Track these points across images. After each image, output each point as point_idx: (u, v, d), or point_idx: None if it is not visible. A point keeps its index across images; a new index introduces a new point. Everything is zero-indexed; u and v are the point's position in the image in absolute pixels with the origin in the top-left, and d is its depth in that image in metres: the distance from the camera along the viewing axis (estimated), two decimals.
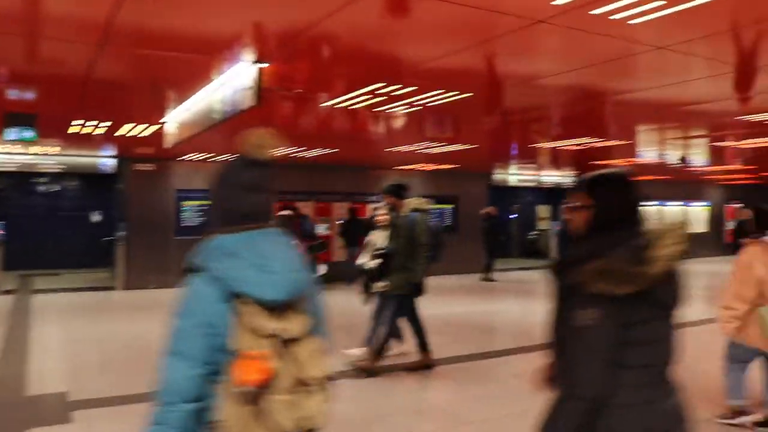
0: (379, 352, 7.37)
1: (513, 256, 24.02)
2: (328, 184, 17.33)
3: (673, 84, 7.31)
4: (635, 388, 2.29)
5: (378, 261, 7.50)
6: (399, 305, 7.38)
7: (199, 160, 15.09)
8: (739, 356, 5.35)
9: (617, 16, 4.72)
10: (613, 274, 2.21)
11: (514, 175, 20.91)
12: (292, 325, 2.07)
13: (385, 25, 5.21)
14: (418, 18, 4.97)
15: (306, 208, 16.46)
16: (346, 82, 7.18)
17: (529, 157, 15.93)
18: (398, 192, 7.56)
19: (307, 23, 5.06)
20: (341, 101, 7.92)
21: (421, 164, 16.87)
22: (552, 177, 21.62)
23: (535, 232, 24.73)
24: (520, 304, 13.11)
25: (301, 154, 14.07)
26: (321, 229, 16.28)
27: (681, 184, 23.94)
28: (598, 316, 2.25)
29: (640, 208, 2.49)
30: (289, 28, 5.24)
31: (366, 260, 7.89)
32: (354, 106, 8.18)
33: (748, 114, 9.15)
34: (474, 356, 8.34)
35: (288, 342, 2.05)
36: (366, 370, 7.31)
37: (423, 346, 7.63)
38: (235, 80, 6.53)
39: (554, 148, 13.10)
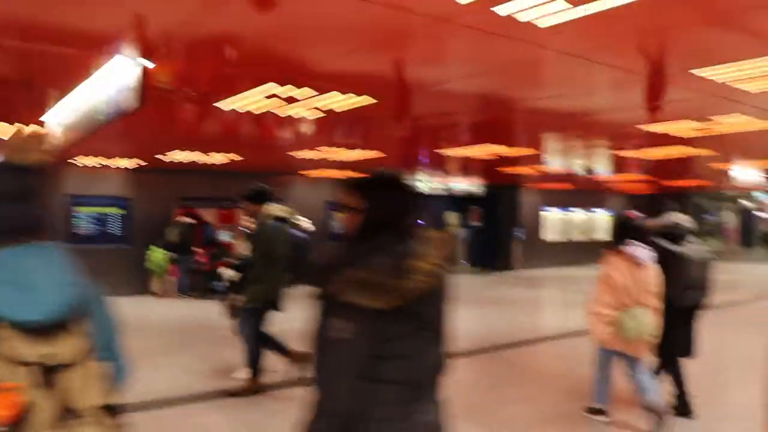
0: (254, 370, 6.82)
1: None
2: (232, 190, 16.63)
3: (579, 93, 7.22)
4: (393, 402, 2.17)
5: (236, 272, 6.99)
6: (256, 319, 6.77)
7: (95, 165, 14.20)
8: (604, 360, 5.64)
9: (524, 17, 4.46)
10: (369, 286, 2.08)
11: (424, 181, 20.74)
12: (60, 349, 1.81)
13: (277, 22, 4.79)
14: (311, 15, 4.60)
15: (209, 215, 15.72)
16: (237, 82, 6.70)
17: (438, 164, 15.76)
18: (257, 198, 6.99)
19: (193, 18, 4.58)
20: (235, 103, 7.41)
21: (329, 171, 16.42)
22: (460, 184, 21.58)
23: None
24: None
25: (202, 160, 13.41)
26: (224, 237, 15.63)
27: (585, 192, 24.43)
28: (352, 329, 2.12)
29: (410, 213, 2.34)
30: (175, 23, 4.75)
31: (226, 271, 7.34)
32: (250, 109, 7.69)
33: (650, 123, 9.19)
34: None
35: (55, 369, 1.78)
36: (245, 391, 6.78)
37: (254, 368, 6.85)
38: (118, 79, 5.93)
39: (460, 155, 12.93)
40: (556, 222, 23.96)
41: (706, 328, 10.69)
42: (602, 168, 16.63)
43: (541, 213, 23.39)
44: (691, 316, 5.88)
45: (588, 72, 6.20)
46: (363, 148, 11.92)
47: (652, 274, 5.31)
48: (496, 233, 22.66)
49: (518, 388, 7.19)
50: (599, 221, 24.97)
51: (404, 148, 12.63)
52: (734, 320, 11.71)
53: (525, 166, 15.45)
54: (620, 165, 16.02)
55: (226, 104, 7.49)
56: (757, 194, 29.36)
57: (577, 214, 24.76)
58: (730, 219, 35.80)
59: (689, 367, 6.19)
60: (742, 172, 16.25)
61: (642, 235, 5.44)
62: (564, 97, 7.51)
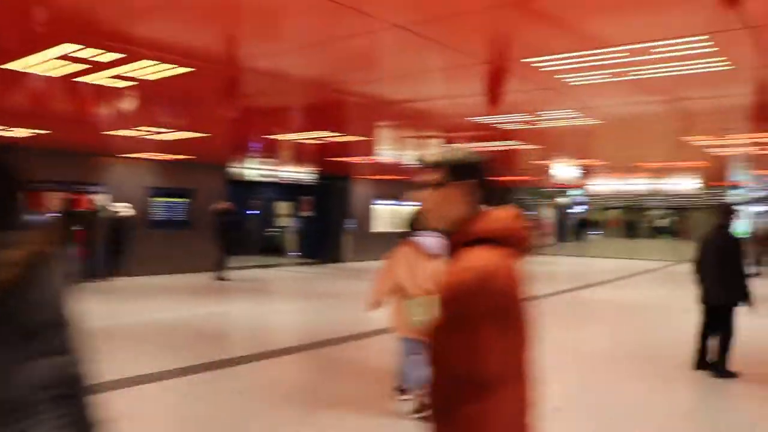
0: None
1: (251, 254, 23.23)
2: (40, 171, 15.07)
3: (411, 76, 7.00)
4: None
5: None
6: None
7: None
8: (409, 349, 5.62)
9: None
10: None
11: (254, 169, 20.03)
12: None
13: None
14: None
15: None
16: (26, 40, 5.77)
17: (268, 150, 15.16)
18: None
19: None
20: (29, 65, 6.46)
21: (151, 153, 15.32)
22: (292, 173, 21.10)
23: (275, 229, 24.15)
24: (253, 306, 12.25)
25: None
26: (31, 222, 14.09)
27: (394, 183, 24.81)
28: None
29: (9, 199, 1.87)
30: None
31: None
32: (48, 73, 6.74)
33: (481, 115, 9.21)
34: (193, 369, 7.26)
35: None
36: None
37: None
38: None
39: (290, 141, 12.44)
40: (386, 214, 24.13)
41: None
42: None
43: (372, 205, 23.42)
44: None
45: (419, 53, 5.96)
46: (187, 129, 11.10)
47: (437, 263, 5.15)
48: (328, 224, 22.42)
49: (337, 385, 6.83)
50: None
51: (231, 131, 11.96)
52: (552, 310, 12.17)
53: (357, 155, 15.24)
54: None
55: (18, 66, 6.50)
56: (573, 191, 31.25)
57: (407, 207, 25.04)
58: (548, 215, 38.03)
59: None
60: (562, 169, 17.08)
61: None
62: (395, 81, 7.25)
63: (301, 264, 20.97)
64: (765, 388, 6.64)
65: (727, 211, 7.37)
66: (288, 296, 14.39)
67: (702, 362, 7.34)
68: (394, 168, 18.68)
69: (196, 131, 11.34)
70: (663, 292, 15.61)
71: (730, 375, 7.01)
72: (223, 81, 7.49)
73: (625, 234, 54.96)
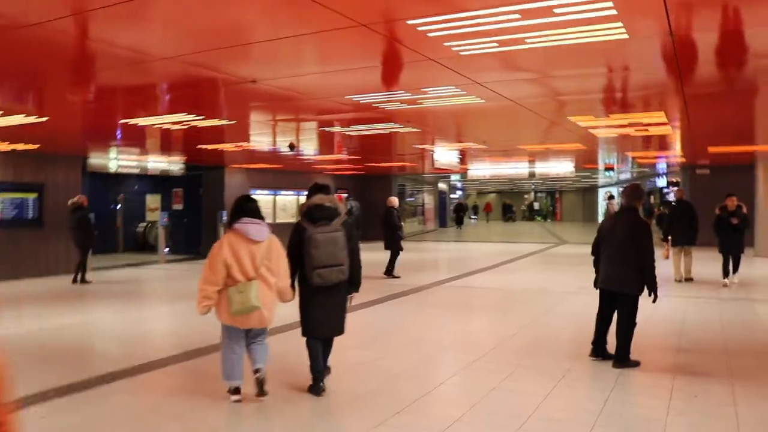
0: None
1: (119, 251, 21.61)
2: None
3: (281, 51, 6.16)
4: None
5: None
6: None
7: None
8: (230, 337, 5.67)
9: None
10: None
11: (117, 159, 18.45)
12: None
13: None
14: None
15: None
16: None
17: (130, 138, 13.78)
18: None
19: None
20: None
21: None
22: (159, 163, 19.67)
23: (144, 224, 22.55)
24: (116, 313, 10.89)
25: None
26: None
27: (293, 173, 23.90)
28: None
29: None
30: None
31: None
32: None
33: (360, 94, 8.50)
34: (39, 396, 6.04)
35: None
36: None
37: None
38: None
39: (153, 126, 11.24)
40: (264, 204, 23.11)
41: (414, 310, 10.72)
42: (309, 147, 16.02)
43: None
44: (330, 297, 5.84)
45: (288, 14, 5.13)
46: (31, 113, 9.66)
47: (264, 249, 5.52)
48: (201, 217, 21.13)
49: (207, 412, 5.92)
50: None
51: (85, 116, 10.62)
52: (440, 301, 11.71)
53: (227, 142, 14.17)
54: (326, 144, 15.53)
55: None
56: (453, 176, 31.32)
57: (285, 196, 24.12)
58: (428, 201, 38.10)
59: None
60: (443, 155, 16.71)
61: (256, 213, 5.66)
62: (263, 54, 6.38)
63: (173, 261, 19.58)
64: (668, 377, 6.32)
65: (633, 194, 6.96)
66: (157, 299, 13.05)
67: (600, 351, 6.95)
68: (270, 156, 17.71)
69: (42, 116, 9.92)
70: (548, 276, 15.56)
71: (632, 364, 6.64)
72: (66, 55, 6.36)
73: (502, 218, 56.32)
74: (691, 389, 5.90)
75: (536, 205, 60.51)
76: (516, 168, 25.09)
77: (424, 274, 15.58)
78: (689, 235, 13.01)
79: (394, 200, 15.14)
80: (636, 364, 6.64)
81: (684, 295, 11.48)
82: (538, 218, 57.83)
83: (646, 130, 11.90)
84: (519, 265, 17.73)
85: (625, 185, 9.71)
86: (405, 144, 15.64)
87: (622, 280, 6.70)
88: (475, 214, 57.75)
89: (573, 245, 24.39)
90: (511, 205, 57.87)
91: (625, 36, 5.56)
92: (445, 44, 5.85)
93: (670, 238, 13.32)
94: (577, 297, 11.59)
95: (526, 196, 61.16)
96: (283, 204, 24.05)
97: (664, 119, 10.33)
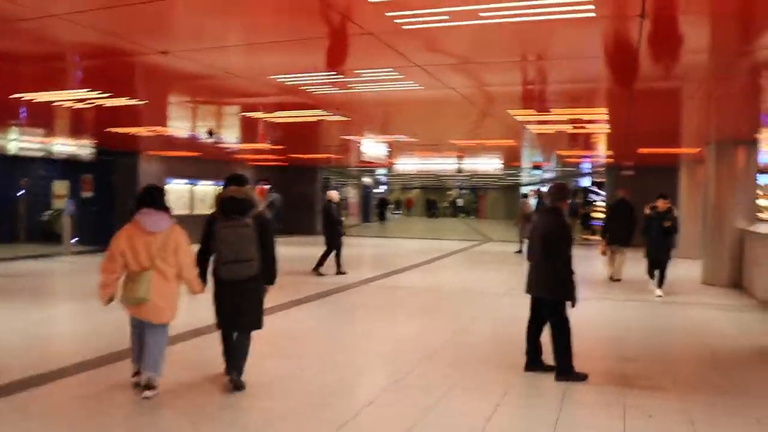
0: None
1: (20, 242, 20.02)
2: None
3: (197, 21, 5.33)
4: None
5: None
6: None
7: None
8: (131, 323, 5.64)
9: None
10: None
11: (17, 141, 16.97)
12: None
13: None
14: None
15: None
16: None
17: (31, 117, 12.52)
18: None
19: None
20: None
21: None
22: (67, 146, 18.26)
23: (49, 212, 20.97)
24: (14, 311, 9.70)
25: None
26: None
27: (213, 162, 22.79)
28: None
29: None
30: None
31: None
32: None
33: (285, 74, 7.71)
34: None
35: None
36: None
37: None
38: None
39: (54, 105, 10.12)
40: (181, 194, 21.90)
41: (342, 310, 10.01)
42: (230, 134, 15.08)
43: (165, 184, 21.07)
44: (239, 290, 5.65)
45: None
46: None
47: (161, 240, 5.43)
48: (112, 206, 19.76)
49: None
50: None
51: None
52: (364, 302, 11.03)
53: (141, 126, 13.11)
54: (249, 132, 14.64)
55: None
56: (379, 170, 30.69)
57: (204, 186, 22.95)
58: (352, 195, 37.42)
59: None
60: (371, 147, 16.04)
61: (160, 201, 5.57)
62: (181, 25, 5.53)
63: (81, 253, 18.18)
64: (618, 392, 5.81)
65: (558, 193, 6.32)
66: (62, 296, 11.83)
67: (534, 363, 6.39)
68: (188, 143, 16.65)
69: None
70: (476, 276, 15.11)
71: (577, 377, 6.10)
72: None
73: (426, 213, 56.15)
74: (644, 406, 5.40)
75: (460, 202, 60.65)
76: (444, 164, 24.70)
77: (349, 271, 14.88)
78: (625, 235, 12.98)
79: (334, 194, 14.44)
80: (583, 377, 6.11)
81: (619, 299, 11.18)
82: (462, 215, 57.97)
83: (584, 127, 11.55)
84: (446, 263, 17.24)
85: (550, 184, 9.26)
86: (332, 135, 14.92)
87: (540, 285, 6.19)
88: (398, 209, 57.45)
89: (497, 243, 24.12)
90: (435, 201, 57.77)
91: (593, 15, 5.01)
92: (387, 14, 5.13)
93: (607, 235, 13.17)
94: (508, 300, 11.13)
95: (449, 192, 61.23)
96: (201, 194, 22.88)
97: (605, 116, 9.94)
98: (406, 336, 8.14)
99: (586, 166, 27.05)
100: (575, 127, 11.62)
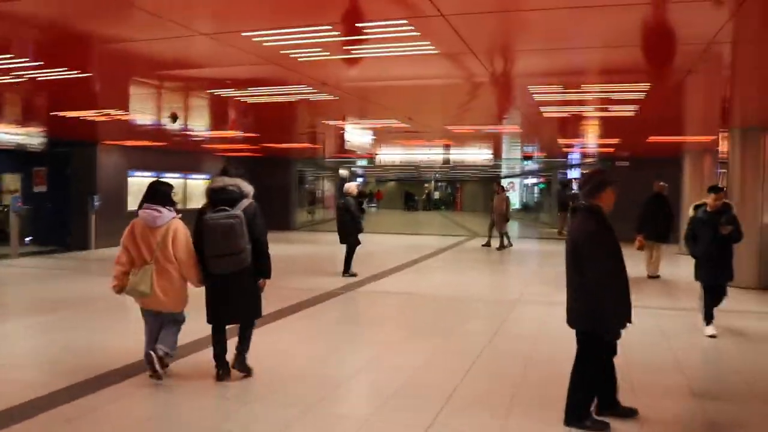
0: None
1: None
2: None
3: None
4: None
5: None
6: None
7: None
8: (143, 314, 5.78)
9: None
10: None
11: None
12: None
13: None
14: None
15: None
16: None
17: None
18: None
19: None
20: None
21: None
22: (14, 136, 16.29)
23: None
24: None
25: None
26: None
27: (180, 154, 20.94)
28: None
29: None
30: None
31: None
32: None
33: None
34: None
35: None
36: None
37: None
38: None
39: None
40: (144, 188, 19.98)
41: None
42: (197, 120, 13.33)
43: (128, 177, 19.19)
44: (231, 283, 5.61)
45: None
46: None
47: (161, 236, 5.51)
48: (68, 202, 17.88)
49: None
50: (196, 187, 21.57)
51: None
52: (351, 317, 9.42)
53: (93, 109, 11.32)
54: (218, 117, 12.91)
55: None
56: (360, 162, 28.97)
57: (171, 180, 21.05)
58: (329, 188, 35.72)
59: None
60: (356, 134, 14.39)
61: (163, 198, 5.62)
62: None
63: (33, 254, 16.27)
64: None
65: (590, 185, 4.57)
66: (8, 308, 9.99)
67: (608, 404, 4.81)
68: (151, 131, 14.85)
69: None
70: (476, 278, 13.55)
71: (595, 426, 4.56)
72: None
73: (404, 206, 54.43)
74: None
75: (436, 195, 59.07)
76: (428, 154, 23.10)
77: (330, 276, 13.25)
78: (662, 230, 12.43)
79: (353, 187, 12.93)
80: (603, 426, 4.53)
81: (657, 306, 9.69)
82: (442, 208, 56.43)
83: (607, 109, 10.02)
84: (436, 263, 15.62)
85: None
86: (314, 119, 13.25)
87: (568, 311, 4.61)
88: (372, 201, 55.54)
89: (485, 239, 22.45)
90: (413, 194, 56.14)
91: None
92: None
93: (643, 232, 12.11)
94: (523, 308, 9.60)
95: (426, 185, 59.69)
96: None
97: (643, 94, 8.38)
98: (414, 366, 6.47)
99: (575, 156, 25.65)
100: (597, 109, 10.07)
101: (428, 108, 11.24)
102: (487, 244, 18.88)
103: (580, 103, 9.60)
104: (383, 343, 7.49)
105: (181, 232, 5.58)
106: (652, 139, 14.92)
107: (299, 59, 6.74)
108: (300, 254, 16.83)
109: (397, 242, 21.11)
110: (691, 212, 8.13)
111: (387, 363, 6.61)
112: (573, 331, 4.56)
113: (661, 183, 13.17)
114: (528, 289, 11.44)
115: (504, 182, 42.28)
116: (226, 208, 5.45)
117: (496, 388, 5.70)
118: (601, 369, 4.51)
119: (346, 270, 12.68)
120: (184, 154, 21.14)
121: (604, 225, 4.41)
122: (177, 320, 5.74)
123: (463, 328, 8.31)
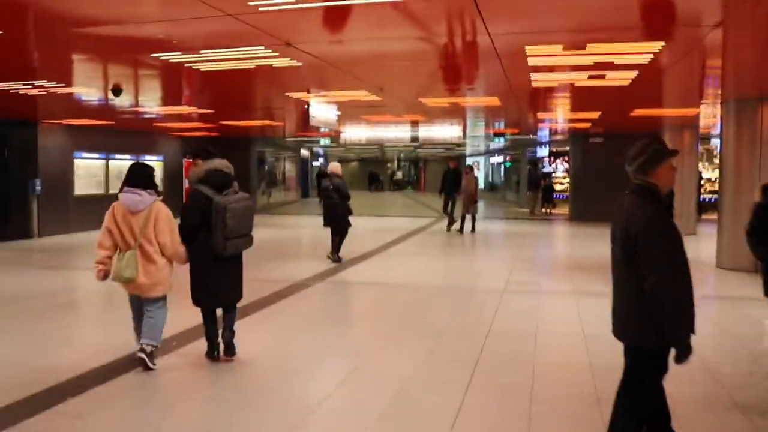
0: None
1: None
2: None
3: None
4: None
5: None
6: None
7: None
8: (129, 300, 5.68)
9: None
10: None
11: None
12: None
13: None
14: None
15: None
16: None
17: None
18: None
19: None
20: None
21: None
22: None
23: None
24: None
25: None
26: None
27: (132, 134, 19.51)
28: None
29: None
30: None
31: None
32: None
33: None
34: None
35: None
36: None
37: None
38: None
39: None
40: (93, 171, 18.55)
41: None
42: (146, 96, 12.03)
43: (74, 160, 17.73)
44: (232, 265, 5.72)
45: None
46: None
47: (143, 219, 5.41)
48: (6, 187, 16.38)
49: None
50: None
51: None
52: (322, 315, 8.37)
53: (27, 84, 9.98)
54: (170, 92, 11.65)
55: None
56: (321, 143, 27.67)
57: (122, 161, 19.61)
58: (290, 168, 34.42)
59: None
60: (321, 109, 13.20)
61: (144, 180, 5.49)
62: None
63: None
64: None
65: (642, 158, 3.41)
66: None
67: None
68: (97, 109, 13.48)
69: None
70: (452, 264, 12.58)
71: None
72: None
73: (368, 187, 53.16)
74: None
75: (399, 174, 57.94)
76: (396, 132, 22.01)
77: (298, 261, 12.14)
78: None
79: (339, 166, 12.12)
80: None
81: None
82: (408, 188, 55.38)
83: (604, 76, 9.03)
84: (410, 248, 14.56)
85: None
86: (274, 91, 12.06)
87: (617, 318, 3.54)
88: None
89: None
90: (377, 174, 54.88)
91: None
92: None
93: None
94: (514, 299, 8.65)
95: (389, 165, 58.52)
96: (119, 171, 19.48)
97: (653, 52, 7.36)
98: (403, 377, 5.41)
99: (544, 134, 24.79)
100: (593, 77, 9.05)
101: (402, 78, 10.10)
102: (460, 229, 17.56)
103: (577, 69, 8.57)
104: (364, 347, 6.44)
105: (163, 214, 5.48)
106: (637, 112, 14.03)
107: (260, 8, 5.55)
108: (262, 240, 15.66)
109: (363, 225, 19.90)
110: (756, 196, 5.90)
111: (370, 374, 5.55)
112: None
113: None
114: (512, 276, 10.47)
115: (469, 161, 41.60)
116: (231, 191, 5.59)
117: (507, 406, 4.70)
118: (661, 395, 3.51)
119: (335, 253, 11.87)
120: (135, 134, 19.72)
121: (663, 209, 3.38)
122: (160, 305, 5.59)
123: (452, 326, 7.28)
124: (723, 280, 10.52)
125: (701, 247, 13.76)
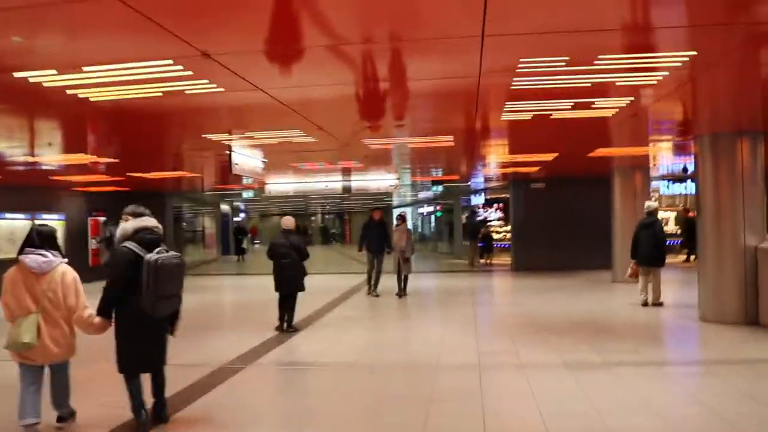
0: None
1: None
2: None
3: None
4: None
5: None
6: None
7: None
8: (20, 372, 5.25)
9: None
10: None
11: None
12: None
13: None
14: None
15: None
16: None
17: None
18: None
19: None
20: None
21: None
22: None
23: None
24: None
25: None
26: None
27: (23, 189, 17.06)
28: None
29: None
30: None
31: None
32: None
33: None
34: None
35: None
36: None
37: None
38: None
39: None
40: None
41: None
42: (42, 142, 9.98)
43: None
44: (159, 326, 5.46)
45: None
46: None
47: (47, 281, 5.17)
48: None
49: None
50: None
51: None
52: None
53: None
54: (67, 138, 9.67)
55: None
56: (246, 193, 25.60)
57: (12, 221, 17.10)
58: (209, 225, 32.17)
59: None
60: (246, 156, 11.37)
61: (48, 241, 5.31)
62: None
63: None
64: None
65: None
66: None
67: None
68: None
69: None
70: (406, 333, 10.80)
71: None
72: None
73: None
74: None
75: (332, 227, 56.45)
76: (325, 181, 20.27)
77: (222, 338, 10.11)
78: (654, 255, 11.93)
79: (292, 221, 10.72)
80: None
81: (659, 361, 7.26)
82: (337, 241, 53.62)
83: (591, 105, 7.60)
84: (353, 312, 12.65)
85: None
86: (189, 132, 10.17)
87: None
88: (256, 238, 51.41)
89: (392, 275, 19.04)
90: (305, 228, 52.90)
91: None
92: None
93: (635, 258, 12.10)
94: (496, 377, 6.95)
95: (313, 218, 56.76)
96: (10, 232, 16.93)
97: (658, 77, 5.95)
98: None
99: (479, 181, 23.61)
100: (576, 106, 7.57)
101: (346, 112, 8.39)
102: (398, 292, 15.25)
103: (569, 94, 7.06)
104: None
105: (69, 276, 5.28)
106: (599, 152, 12.81)
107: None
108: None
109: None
110: None
111: None
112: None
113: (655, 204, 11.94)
114: (482, 344, 8.76)
115: (396, 212, 40.24)
116: (162, 249, 5.32)
117: None
118: None
119: (290, 324, 10.31)
120: (29, 189, 17.27)
121: None
122: (66, 369, 5.44)
123: (426, 424, 5.46)
124: (728, 336, 9.13)
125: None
